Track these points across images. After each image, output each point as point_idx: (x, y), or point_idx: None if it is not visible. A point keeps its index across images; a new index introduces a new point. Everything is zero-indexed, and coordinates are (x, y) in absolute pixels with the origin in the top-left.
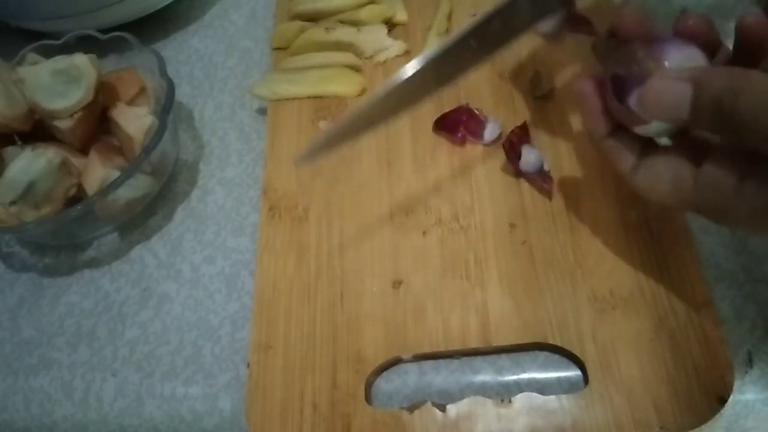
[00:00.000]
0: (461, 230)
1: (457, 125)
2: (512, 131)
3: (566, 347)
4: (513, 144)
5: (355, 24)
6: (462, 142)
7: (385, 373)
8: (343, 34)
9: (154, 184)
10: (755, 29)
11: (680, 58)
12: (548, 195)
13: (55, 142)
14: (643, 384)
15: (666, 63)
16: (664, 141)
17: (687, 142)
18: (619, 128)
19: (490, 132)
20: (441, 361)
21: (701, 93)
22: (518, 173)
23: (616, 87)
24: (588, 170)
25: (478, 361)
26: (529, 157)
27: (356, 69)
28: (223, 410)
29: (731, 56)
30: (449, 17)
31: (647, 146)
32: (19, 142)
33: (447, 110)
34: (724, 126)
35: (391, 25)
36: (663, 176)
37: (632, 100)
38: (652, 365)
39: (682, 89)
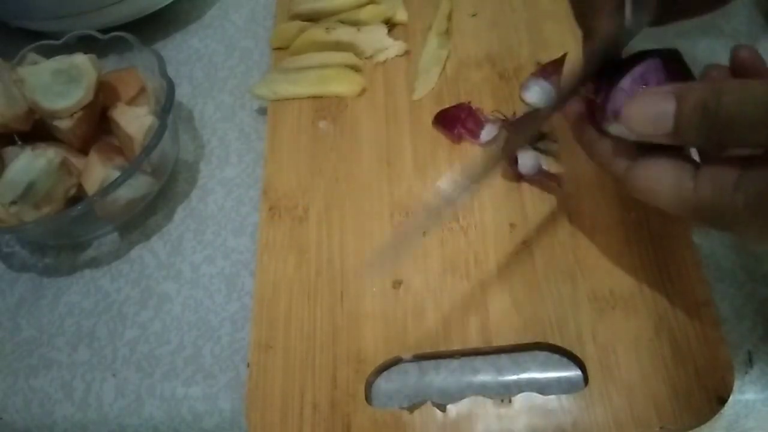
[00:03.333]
0: (461, 230)
1: (455, 122)
2: (506, 137)
3: (566, 347)
4: (510, 149)
5: (355, 24)
6: (458, 139)
7: (385, 373)
8: (343, 34)
9: (154, 184)
10: (747, 61)
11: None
12: (555, 192)
13: (55, 142)
14: (643, 384)
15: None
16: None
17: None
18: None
19: (487, 133)
20: (441, 361)
21: (684, 103)
22: (519, 177)
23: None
24: (588, 170)
25: (478, 361)
26: (525, 159)
27: (356, 69)
28: (223, 410)
29: None
30: (449, 17)
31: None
32: (19, 142)
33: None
34: (711, 129)
35: (391, 25)
36: (662, 175)
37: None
38: (652, 365)
39: (664, 102)
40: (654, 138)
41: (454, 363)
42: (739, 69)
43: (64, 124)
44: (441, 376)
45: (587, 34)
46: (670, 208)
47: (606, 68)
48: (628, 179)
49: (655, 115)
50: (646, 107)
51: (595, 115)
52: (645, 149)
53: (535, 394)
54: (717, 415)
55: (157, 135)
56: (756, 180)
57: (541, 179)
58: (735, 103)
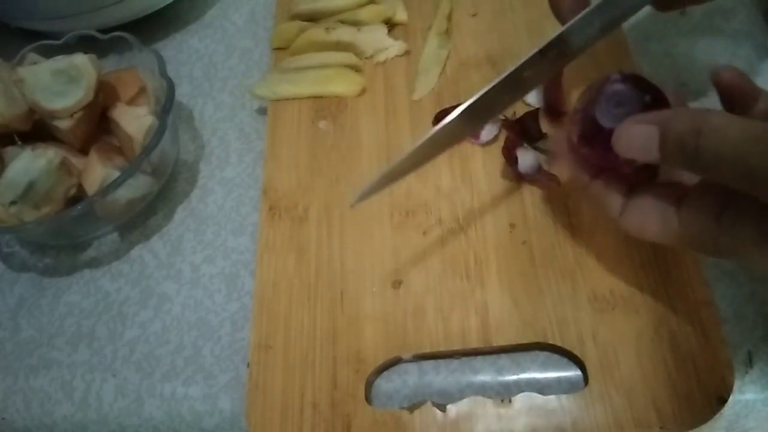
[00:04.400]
0: (461, 230)
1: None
2: (507, 137)
3: (566, 347)
4: (510, 149)
5: (355, 24)
6: None
7: (385, 373)
8: (343, 34)
9: (154, 184)
10: (730, 83)
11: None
12: (555, 192)
13: (55, 142)
14: (643, 384)
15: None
16: None
17: (668, 182)
18: (602, 171)
19: (487, 133)
20: (441, 361)
21: (666, 134)
22: (519, 177)
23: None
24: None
25: (478, 361)
26: (525, 158)
27: (356, 69)
28: (223, 410)
29: (723, 108)
30: (449, 17)
31: (633, 187)
32: (19, 142)
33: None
34: (690, 163)
35: (391, 25)
36: (650, 215)
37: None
38: (652, 365)
39: (648, 131)
40: (643, 159)
41: (454, 363)
42: (723, 91)
43: (64, 124)
44: (441, 376)
45: None
46: (664, 242)
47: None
48: (621, 221)
49: (641, 142)
50: (632, 136)
51: (588, 132)
52: (635, 187)
53: (535, 394)
54: (717, 415)
55: (157, 135)
56: (734, 217)
57: (541, 179)
58: (712, 148)
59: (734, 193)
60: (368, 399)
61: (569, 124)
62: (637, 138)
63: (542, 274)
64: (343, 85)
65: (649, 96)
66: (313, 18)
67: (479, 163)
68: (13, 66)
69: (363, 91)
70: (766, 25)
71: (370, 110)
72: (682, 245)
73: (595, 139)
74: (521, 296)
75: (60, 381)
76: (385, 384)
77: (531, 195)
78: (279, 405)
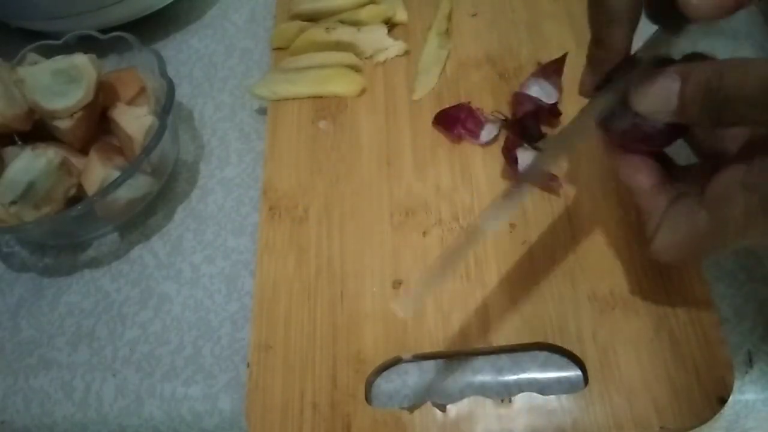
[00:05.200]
0: (461, 230)
1: (455, 122)
2: (507, 137)
3: (566, 347)
4: (510, 149)
5: (355, 24)
6: (458, 139)
7: (385, 373)
8: (343, 34)
9: (154, 184)
10: None
11: None
12: (556, 192)
13: (55, 142)
14: (643, 384)
15: None
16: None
17: (696, 172)
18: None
19: (487, 133)
20: (441, 361)
21: (688, 81)
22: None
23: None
24: (588, 170)
25: (478, 361)
26: (525, 158)
27: (356, 69)
28: (223, 410)
29: None
30: (449, 17)
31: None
32: (19, 142)
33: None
34: (713, 106)
35: (391, 25)
36: (678, 224)
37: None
38: (652, 365)
39: (669, 81)
40: (661, 116)
41: (454, 363)
42: None
43: (64, 124)
44: (441, 376)
45: (597, 44)
46: (694, 250)
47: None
48: (653, 245)
49: (661, 94)
50: (653, 87)
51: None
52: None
53: (535, 394)
54: (717, 415)
55: (157, 135)
56: (759, 171)
57: (541, 179)
58: (736, 81)
59: (754, 157)
60: (368, 399)
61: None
62: (656, 90)
63: (542, 274)
64: (343, 85)
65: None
66: (313, 18)
67: (479, 163)
68: (13, 66)
69: (363, 91)
70: (766, 25)
71: (370, 110)
72: (711, 242)
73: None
74: (521, 296)
75: (60, 381)
76: (385, 384)
77: (531, 195)
78: (279, 405)
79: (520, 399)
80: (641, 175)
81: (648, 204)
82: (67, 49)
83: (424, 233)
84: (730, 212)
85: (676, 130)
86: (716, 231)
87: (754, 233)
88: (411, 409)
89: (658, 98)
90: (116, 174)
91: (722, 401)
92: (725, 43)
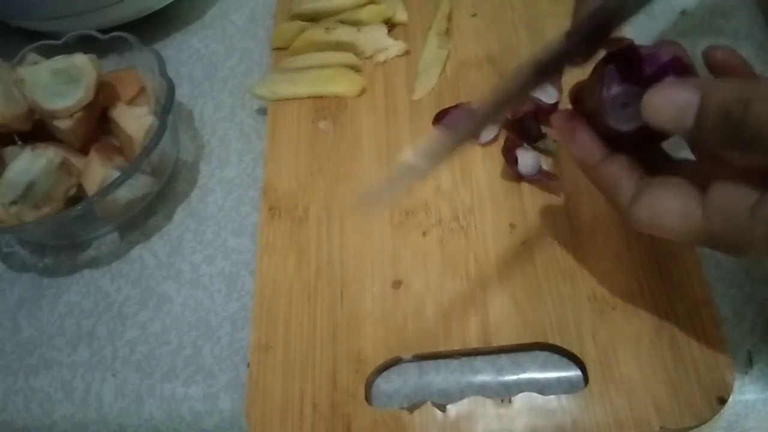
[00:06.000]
0: (461, 230)
1: (455, 122)
2: (507, 137)
3: (566, 347)
4: (510, 149)
5: (355, 24)
6: None
7: (385, 373)
8: (343, 34)
9: (154, 184)
10: (724, 63)
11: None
12: (556, 192)
13: (55, 142)
14: (643, 384)
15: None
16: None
17: (692, 167)
18: (616, 151)
19: (487, 133)
20: (441, 361)
21: (708, 101)
22: (519, 177)
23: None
24: None
25: (478, 361)
26: (525, 159)
27: (356, 69)
28: (223, 410)
29: None
30: (449, 17)
31: (648, 172)
32: (19, 142)
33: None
34: (732, 137)
35: (391, 25)
36: (668, 207)
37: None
38: (652, 365)
39: (689, 96)
40: (671, 132)
41: (454, 363)
42: (716, 74)
43: (64, 124)
44: (441, 376)
45: None
46: (678, 239)
47: (613, 60)
48: (632, 211)
49: (676, 109)
50: (669, 98)
51: (596, 119)
52: (650, 174)
53: (535, 394)
54: (717, 415)
55: (157, 135)
56: None
57: (541, 179)
58: (762, 119)
59: None
60: (368, 399)
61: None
62: (672, 104)
63: (542, 274)
64: (343, 85)
65: (650, 69)
66: (313, 18)
67: (479, 163)
68: (13, 66)
69: (363, 91)
70: (766, 25)
71: (370, 110)
72: (701, 241)
73: (619, 141)
74: (521, 296)
75: (60, 381)
76: (385, 384)
77: (531, 195)
78: (279, 405)
79: (520, 399)
80: (590, 152)
81: (609, 174)
82: (67, 49)
83: (424, 233)
84: (732, 232)
85: (650, 138)
86: (711, 239)
87: (752, 255)
88: (411, 409)
89: (672, 113)
90: (116, 174)
91: (722, 401)
92: (725, 43)
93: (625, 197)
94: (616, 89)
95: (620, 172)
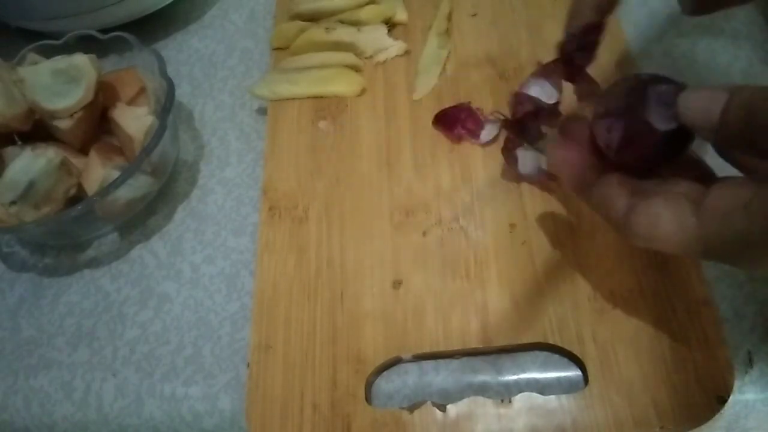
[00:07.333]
0: (461, 230)
1: (455, 122)
2: (507, 137)
3: (566, 347)
4: (510, 149)
5: (355, 24)
6: (458, 139)
7: (385, 373)
8: (343, 34)
9: (154, 184)
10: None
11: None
12: (556, 192)
13: (55, 142)
14: (643, 384)
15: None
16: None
17: (685, 187)
18: (606, 170)
19: (487, 133)
20: (441, 361)
21: (734, 97)
22: (519, 177)
23: None
24: None
25: (478, 361)
26: (525, 159)
27: (356, 69)
28: (223, 410)
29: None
30: (449, 17)
31: (640, 186)
32: (19, 142)
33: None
34: (755, 131)
35: (391, 25)
36: (663, 216)
37: None
38: (652, 365)
39: (718, 93)
40: (699, 129)
41: (454, 363)
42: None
43: (64, 124)
44: (441, 376)
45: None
46: (675, 248)
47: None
48: (628, 222)
49: (705, 101)
50: (701, 93)
51: (596, 144)
52: (643, 186)
53: (535, 394)
54: (717, 415)
55: (157, 135)
56: None
57: (541, 179)
58: None
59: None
60: (368, 399)
61: (592, 126)
62: (702, 97)
63: (542, 274)
64: (343, 85)
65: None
66: (313, 18)
67: (479, 163)
68: (13, 66)
69: (363, 91)
70: (766, 25)
71: (370, 110)
72: (699, 249)
73: (643, 143)
74: (521, 296)
75: (60, 381)
76: (385, 384)
77: (531, 195)
78: (279, 405)
79: (520, 399)
80: (580, 177)
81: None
82: (67, 49)
83: (424, 233)
84: (728, 233)
85: (679, 142)
86: (708, 244)
87: (752, 258)
88: (411, 409)
89: (702, 105)
90: (116, 174)
91: (722, 401)
92: (725, 43)
93: (620, 212)
94: (665, 86)
95: (612, 190)
